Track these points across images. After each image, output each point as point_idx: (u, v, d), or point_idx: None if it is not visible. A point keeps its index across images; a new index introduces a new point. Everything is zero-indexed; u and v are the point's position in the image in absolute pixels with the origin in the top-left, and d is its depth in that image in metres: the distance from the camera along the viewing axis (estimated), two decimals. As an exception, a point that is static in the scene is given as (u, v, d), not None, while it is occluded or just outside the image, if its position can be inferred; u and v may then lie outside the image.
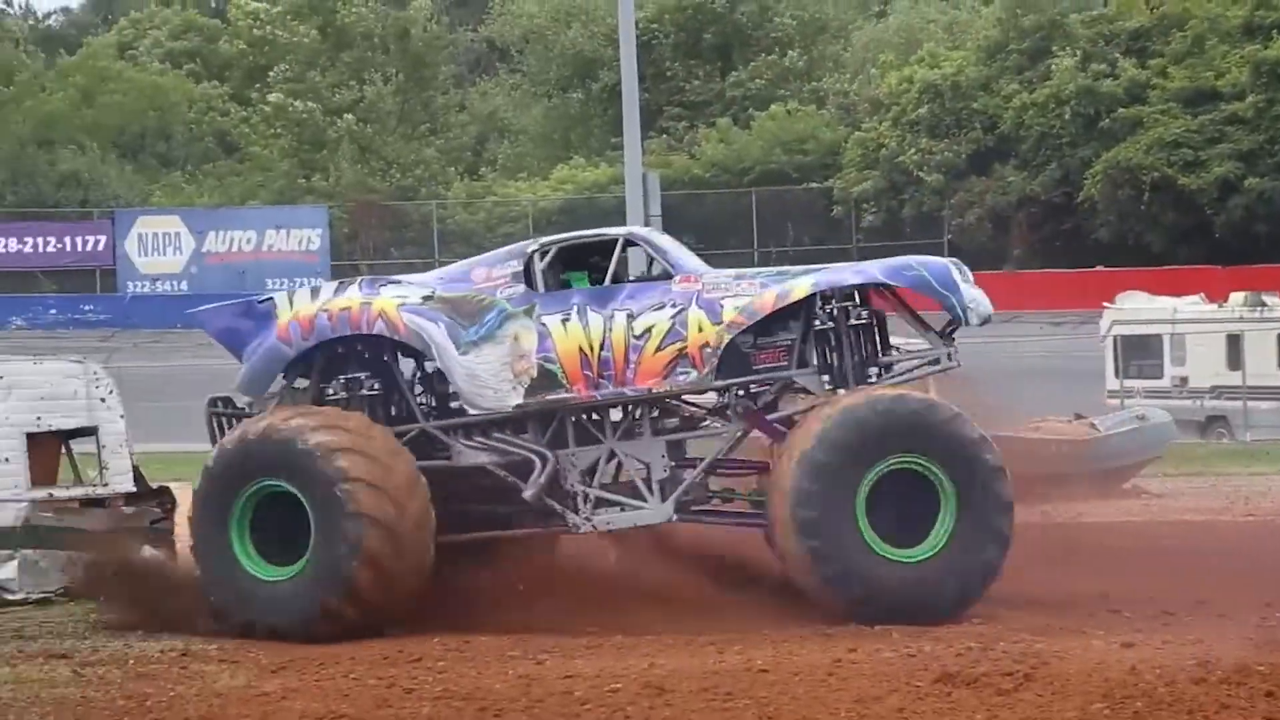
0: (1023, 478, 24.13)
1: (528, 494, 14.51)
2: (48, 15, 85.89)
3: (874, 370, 14.77)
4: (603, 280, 15.06)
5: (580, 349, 14.65)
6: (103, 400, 16.94)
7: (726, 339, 14.54)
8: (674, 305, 14.66)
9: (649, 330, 14.63)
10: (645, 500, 14.76)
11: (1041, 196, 52.46)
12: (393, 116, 64.55)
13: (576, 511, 14.73)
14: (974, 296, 14.73)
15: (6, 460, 16.30)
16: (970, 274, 15.03)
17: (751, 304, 14.60)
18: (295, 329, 14.98)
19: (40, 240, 56.16)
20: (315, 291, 15.34)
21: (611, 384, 14.65)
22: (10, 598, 15.87)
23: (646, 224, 34.70)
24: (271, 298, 15.35)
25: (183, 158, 65.09)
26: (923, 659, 11.74)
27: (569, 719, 10.31)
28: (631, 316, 14.67)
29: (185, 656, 13.09)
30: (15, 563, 15.98)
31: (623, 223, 34.61)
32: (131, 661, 12.88)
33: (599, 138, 61.29)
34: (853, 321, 14.69)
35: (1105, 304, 37.05)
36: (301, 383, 15.31)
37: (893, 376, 14.86)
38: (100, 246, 56.09)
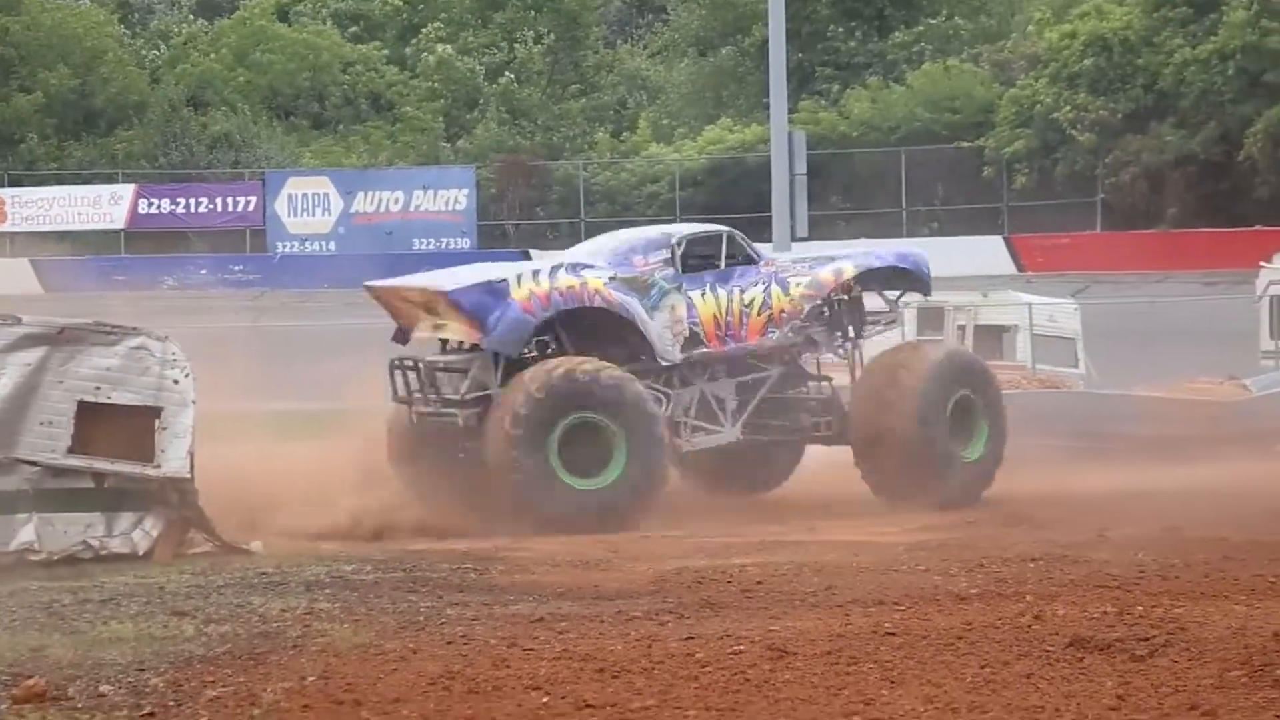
0: (1174, 439, 23.77)
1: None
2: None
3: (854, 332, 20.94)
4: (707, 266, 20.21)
5: (714, 315, 19.95)
6: (175, 383, 16.60)
7: (805, 309, 20.37)
8: (763, 283, 20.20)
9: (751, 302, 20.11)
10: (721, 427, 20.11)
11: (1200, 155, 51.14)
12: (542, 77, 64.44)
13: (679, 435, 19.84)
14: None
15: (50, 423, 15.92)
16: None
17: (815, 279, 20.44)
18: (537, 303, 19.15)
19: (192, 201, 56.80)
20: (535, 274, 19.46)
21: (734, 342, 20.07)
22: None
23: (791, 182, 34.55)
24: (505, 279, 19.25)
25: (335, 119, 65.36)
26: (1055, 623, 11.35)
27: (688, 681, 10.03)
28: (742, 291, 20.11)
29: (309, 615, 12.98)
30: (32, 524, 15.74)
31: (768, 180, 34.42)
32: (254, 619, 12.79)
33: (750, 97, 60.56)
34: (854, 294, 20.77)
35: (1262, 263, 36.07)
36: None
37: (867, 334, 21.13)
38: (251, 208, 56.61)
